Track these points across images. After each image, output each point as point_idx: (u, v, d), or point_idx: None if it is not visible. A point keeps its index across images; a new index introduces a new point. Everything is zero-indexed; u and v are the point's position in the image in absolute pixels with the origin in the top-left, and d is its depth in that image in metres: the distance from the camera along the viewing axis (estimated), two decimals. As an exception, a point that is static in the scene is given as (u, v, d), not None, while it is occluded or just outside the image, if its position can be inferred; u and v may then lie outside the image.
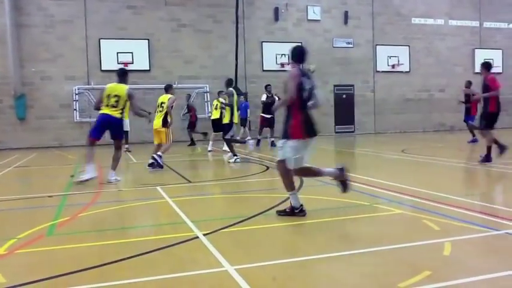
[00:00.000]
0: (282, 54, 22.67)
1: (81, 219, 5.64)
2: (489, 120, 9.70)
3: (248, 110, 20.09)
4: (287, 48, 23.01)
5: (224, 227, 4.88)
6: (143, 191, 7.69)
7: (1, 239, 4.57)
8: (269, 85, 16.63)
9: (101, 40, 20.30)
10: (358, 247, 4.15)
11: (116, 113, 8.51)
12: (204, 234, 4.57)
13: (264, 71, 22.52)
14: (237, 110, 12.99)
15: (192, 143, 18.37)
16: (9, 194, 7.67)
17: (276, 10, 22.72)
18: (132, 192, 7.60)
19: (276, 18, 22.79)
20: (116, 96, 8.61)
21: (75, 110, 19.95)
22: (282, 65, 22.68)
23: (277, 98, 15.63)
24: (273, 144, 15.50)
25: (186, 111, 19.23)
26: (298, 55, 5.59)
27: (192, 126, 18.79)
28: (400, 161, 11.29)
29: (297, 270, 3.62)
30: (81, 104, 19.95)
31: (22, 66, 19.32)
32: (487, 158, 9.48)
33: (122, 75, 9.26)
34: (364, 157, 13.12)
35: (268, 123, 16.14)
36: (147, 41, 20.86)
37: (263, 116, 16.20)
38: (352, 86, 24.22)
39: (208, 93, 21.42)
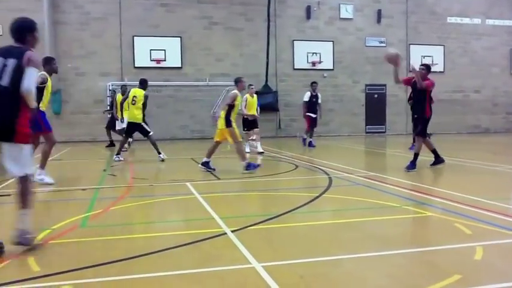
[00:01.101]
0: (313, 53, 22.59)
1: (112, 213, 5.77)
2: None
3: (258, 108, 20.00)
4: (318, 47, 22.97)
5: (252, 224, 4.91)
6: (173, 186, 7.79)
7: (37, 229, 4.72)
8: (315, 82, 15.43)
9: (134, 37, 20.64)
10: (386, 248, 4.11)
11: None
12: (232, 231, 4.60)
13: (294, 69, 22.48)
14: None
15: (112, 144, 15.99)
16: (45, 186, 7.90)
17: (308, 8, 22.60)
18: (162, 187, 7.71)
19: (308, 17, 22.68)
20: None
21: (108, 105, 20.35)
22: (313, 63, 22.59)
23: (319, 95, 15.09)
24: (311, 144, 14.97)
25: (109, 108, 17.26)
26: None
27: (112, 125, 16.02)
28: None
29: (324, 270, 3.61)
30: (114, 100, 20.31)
31: (58, 62, 19.77)
32: None
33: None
34: (394, 158, 12.94)
35: (315, 123, 15.20)
36: (179, 38, 21.09)
37: (310, 116, 15.04)
38: (384, 85, 23.89)
39: (238, 91, 21.48)
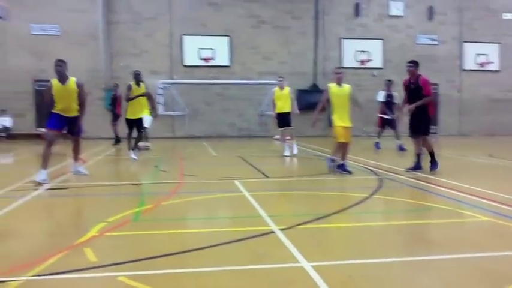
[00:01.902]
0: (361, 51, 22.25)
1: (164, 208, 5.92)
2: None
3: (294, 103, 19.63)
4: (367, 45, 22.60)
5: (300, 223, 4.91)
6: (222, 184, 7.90)
7: (93, 221, 4.92)
8: (390, 80, 14.29)
9: (183, 36, 21.03)
10: (438, 252, 4.01)
11: None
12: (281, 229, 4.62)
13: (343, 68, 22.20)
14: None
15: (118, 140, 15.79)
16: (100, 180, 8.22)
17: (357, 6, 22.28)
18: (211, 184, 7.83)
19: (357, 14, 22.36)
20: None
21: (159, 103, 20.83)
22: (362, 62, 22.25)
23: (396, 94, 13.77)
24: (402, 148, 13.31)
25: (111, 102, 16.62)
26: None
27: (115, 119, 15.91)
28: (487, 166, 10.69)
29: (374, 272, 3.57)
30: (165, 97, 20.81)
31: (111, 60, 20.51)
32: None
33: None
34: (448, 160, 12.55)
35: (389, 123, 13.77)
36: (227, 37, 21.31)
37: (382, 117, 13.90)
38: (436, 85, 23.19)
39: (286, 89, 21.46)
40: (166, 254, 3.90)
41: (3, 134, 19.04)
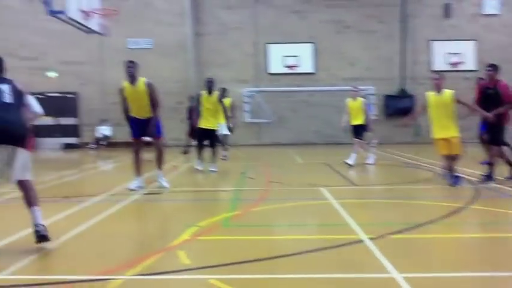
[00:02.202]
0: (453, 53, 21.21)
1: (252, 214, 6.04)
2: None
3: (368, 114, 18.98)
4: (459, 46, 21.32)
5: (390, 232, 4.78)
6: (308, 191, 7.89)
7: (186, 226, 5.15)
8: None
9: (268, 45, 21.34)
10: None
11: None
12: (370, 238, 4.53)
13: (433, 71, 21.27)
14: None
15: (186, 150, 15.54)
16: (192, 186, 8.57)
17: (447, 6, 21.25)
18: (298, 191, 7.86)
19: (447, 15, 21.32)
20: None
21: (245, 111, 21.30)
22: (454, 64, 21.19)
23: None
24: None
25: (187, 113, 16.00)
26: None
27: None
28: None
29: (470, 286, 3.39)
30: (250, 105, 21.24)
31: (200, 71, 21.31)
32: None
33: None
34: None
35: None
36: (312, 44, 21.30)
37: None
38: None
39: (373, 96, 21.00)
40: (255, 259, 3.98)
41: (103, 142, 20.46)
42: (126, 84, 7.87)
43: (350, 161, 11.21)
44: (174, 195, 7.88)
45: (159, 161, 8.07)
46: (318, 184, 8.28)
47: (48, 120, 21.04)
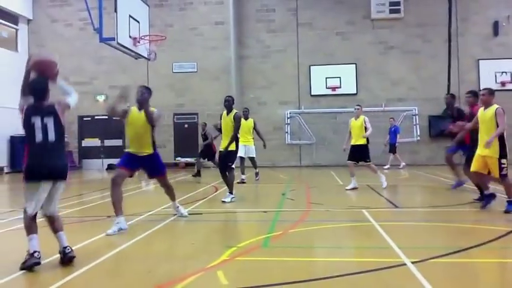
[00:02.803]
0: (502, 72, 20.58)
1: (291, 235, 6.00)
2: None
3: (398, 135, 18.67)
4: (508, 65, 20.73)
5: (434, 256, 4.62)
6: (349, 213, 7.78)
7: (225, 246, 5.17)
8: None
9: (311, 66, 21.41)
10: None
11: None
12: (412, 262, 4.40)
13: (480, 91, 20.64)
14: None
15: (198, 173, 15.59)
16: (231, 207, 8.60)
17: (496, 24, 20.73)
18: (338, 213, 7.75)
19: (496, 33, 20.79)
20: None
21: (286, 132, 21.34)
22: (503, 83, 20.53)
23: None
24: None
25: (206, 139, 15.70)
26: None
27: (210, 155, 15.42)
28: None
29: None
30: (292, 127, 21.25)
31: (242, 93, 21.59)
32: None
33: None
34: None
35: None
36: (354, 65, 21.21)
37: None
38: None
39: (417, 116, 20.60)
40: (294, 281, 3.94)
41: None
42: (134, 109, 7.17)
43: (349, 186, 10.98)
44: (214, 216, 7.93)
45: (172, 195, 7.26)
46: (359, 206, 8.15)
47: (95, 142, 21.83)
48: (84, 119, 22.51)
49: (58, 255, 4.64)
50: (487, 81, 20.55)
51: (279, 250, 5.22)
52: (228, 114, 9.40)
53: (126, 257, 4.96)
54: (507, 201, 7.30)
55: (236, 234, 6.21)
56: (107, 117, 22.23)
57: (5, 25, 21.29)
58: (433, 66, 20.93)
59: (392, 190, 11.15)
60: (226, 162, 9.12)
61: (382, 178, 11.24)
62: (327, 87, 21.29)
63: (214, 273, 4.19)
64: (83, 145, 22.49)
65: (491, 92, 7.69)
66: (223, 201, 8.94)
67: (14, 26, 21.84)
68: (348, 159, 11.36)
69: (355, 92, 21.23)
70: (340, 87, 21.19)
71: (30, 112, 4.54)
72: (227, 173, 9.13)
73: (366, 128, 11.07)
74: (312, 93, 21.40)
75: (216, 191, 11.07)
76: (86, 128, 22.53)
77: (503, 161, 7.18)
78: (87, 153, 22.46)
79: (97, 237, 5.81)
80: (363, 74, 21.26)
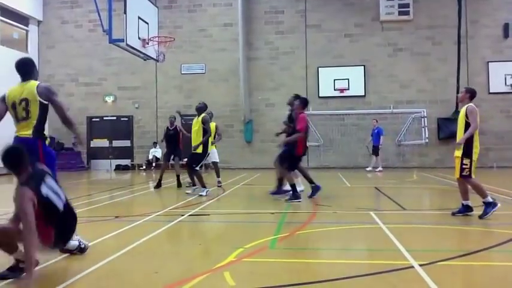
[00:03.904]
0: (512, 75, 20.44)
1: (299, 237, 5.99)
2: None
3: (382, 137, 18.44)
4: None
5: (443, 259, 4.60)
6: (357, 215, 7.76)
7: (232, 247, 5.17)
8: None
9: (319, 68, 21.38)
10: None
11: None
12: (420, 265, 4.38)
13: (490, 93, 20.54)
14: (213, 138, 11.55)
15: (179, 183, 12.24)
16: (239, 208, 8.62)
17: (506, 26, 20.57)
18: (346, 215, 7.73)
19: (506, 35, 20.62)
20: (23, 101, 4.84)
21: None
22: (513, 86, 20.40)
23: None
24: None
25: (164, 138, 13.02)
26: None
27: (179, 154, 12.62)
28: None
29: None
30: (299, 128, 21.21)
31: (250, 94, 21.60)
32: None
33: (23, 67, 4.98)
34: None
35: None
36: (362, 67, 21.15)
37: None
38: None
39: (425, 118, 20.49)
40: (301, 282, 3.94)
41: (154, 164, 21.04)
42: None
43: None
44: (221, 217, 7.95)
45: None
46: (366, 208, 8.13)
47: (103, 143, 21.98)
48: (93, 119, 22.66)
49: (66, 255, 4.70)
50: (497, 83, 20.47)
51: (285, 252, 5.22)
52: (198, 117, 10.43)
53: (134, 257, 4.98)
54: (483, 202, 7.07)
55: (243, 236, 6.21)
56: (115, 117, 22.43)
57: (16, 26, 21.50)
58: (442, 68, 20.82)
59: (400, 192, 11.10)
60: (191, 162, 10.24)
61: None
62: (335, 89, 21.24)
63: (221, 274, 4.19)
64: (91, 146, 22.62)
65: (468, 90, 7.33)
66: (200, 195, 9.93)
67: (25, 27, 22.05)
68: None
69: (363, 94, 21.16)
70: (348, 89, 21.13)
71: None
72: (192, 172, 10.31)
73: None
74: (320, 95, 21.34)
75: (223, 192, 11.09)
76: (94, 129, 22.67)
77: (465, 161, 6.96)
78: (95, 153, 22.58)
79: (105, 237, 5.84)
80: (372, 76, 21.20)
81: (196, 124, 10.33)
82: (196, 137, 10.31)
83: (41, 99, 4.82)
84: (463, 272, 4.34)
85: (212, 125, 11.62)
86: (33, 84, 4.85)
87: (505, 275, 4.30)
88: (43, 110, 4.88)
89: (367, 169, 18.34)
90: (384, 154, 20.56)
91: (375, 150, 18.57)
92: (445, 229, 6.62)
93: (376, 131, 18.61)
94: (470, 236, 6.12)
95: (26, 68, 4.95)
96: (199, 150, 10.16)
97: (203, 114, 10.38)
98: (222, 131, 13.70)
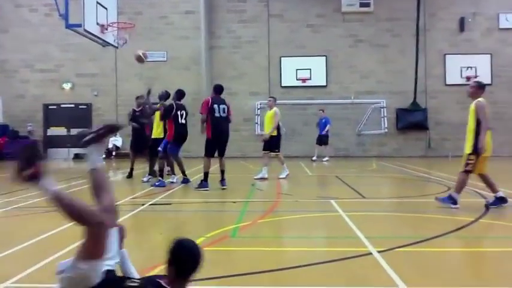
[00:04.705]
0: (467, 67, 21.08)
1: (260, 225, 6.02)
2: None
3: (328, 126, 18.52)
4: (474, 60, 21.21)
5: (399, 246, 4.72)
6: (318, 203, 7.86)
7: (193, 236, 5.09)
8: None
9: (281, 58, 21.43)
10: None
11: None
12: (378, 251, 4.48)
13: (446, 85, 21.18)
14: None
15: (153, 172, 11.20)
16: (201, 198, 8.56)
17: (462, 20, 21.19)
18: (307, 203, 7.82)
19: (462, 29, 21.26)
20: None
21: (256, 123, 21.36)
22: (468, 78, 21.03)
23: None
24: None
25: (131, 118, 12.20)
26: None
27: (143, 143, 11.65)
28: None
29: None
30: (262, 118, 21.23)
31: (213, 83, 21.36)
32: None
33: None
34: None
35: None
36: (324, 57, 21.35)
37: None
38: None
39: (385, 109, 20.94)
40: (262, 270, 3.96)
41: (113, 153, 20.66)
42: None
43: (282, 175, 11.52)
44: (183, 206, 7.89)
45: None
46: (327, 196, 8.25)
47: (61, 131, 21.39)
48: (50, 107, 21.96)
49: (25, 244, 4.55)
50: (453, 75, 21.10)
51: (247, 240, 5.23)
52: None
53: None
54: (449, 193, 7.22)
55: (205, 224, 6.19)
56: (73, 105, 21.81)
57: (-34, 9, 20.49)
58: (401, 60, 21.27)
59: (360, 181, 11.32)
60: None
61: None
62: (297, 79, 21.37)
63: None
64: (48, 134, 21.94)
65: (477, 84, 7.26)
66: (172, 182, 10.37)
67: (-24, 10, 21.06)
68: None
69: (325, 84, 21.40)
70: (310, 79, 21.30)
71: None
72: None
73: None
74: (283, 85, 21.44)
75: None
76: (51, 117, 21.98)
77: (471, 157, 6.95)
78: (53, 142, 21.93)
79: (62, 228, 5.68)
80: (333, 66, 21.43)
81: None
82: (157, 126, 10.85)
83: None
84: (419, 258, 4.47)
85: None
86: None
87: (458, 261, 4.45)
88: None
89: (313, 159, 18.27)
90: (344, 143, 20.91)
91: (325, 140, 18.46)
92: (402, 216, 6.80)
93: (323, 120, 18.59)
94: (427, 223, 6.30)
95: None
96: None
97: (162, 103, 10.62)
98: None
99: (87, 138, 3.01)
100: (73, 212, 2.62)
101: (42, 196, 2.67)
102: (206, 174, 9.45)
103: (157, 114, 10.80)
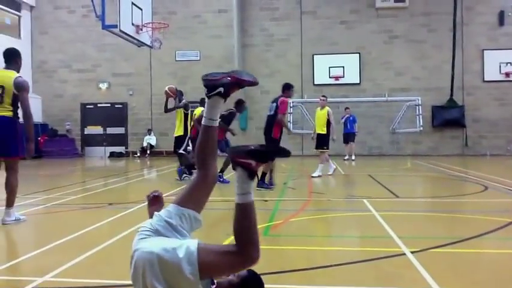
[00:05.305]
0: (507, 63, 20.44)
1: (292, 224, 6.03)
2: None
3: (356, 125, 18.08)
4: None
5: (434, 246, 4.64)
6: (350, 202, 7.80)
7: (225, 234, 5.17)
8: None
9: (314, 56, 21.32)
10: None
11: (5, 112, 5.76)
12: (412, 252, 4.42)
13: (484, 81, 20.59)
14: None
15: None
16: (232, 196, 8.62)
17: (501, 14, 20.55)
18: (339, 202, 7.78)
19: (501, 23, 20.62)
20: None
21: (289, 121, 21.28)
22: (507, 74, 20.41)
23: None
24: None
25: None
26: None
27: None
28: None
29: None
30: (294, 116, 21.22)
31: (245, 82, 21.50)
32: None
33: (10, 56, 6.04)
34: None
35: None
36: (358, 54, 21.11)
37: None
38: None
39: (420, 106, 20.53)
40: (294, 269, 3.97)
41: (148, 152, 21.04)
42: None
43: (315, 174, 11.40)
44: (215, 204, 7.96)
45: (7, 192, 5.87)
46: (360, 196, 8.17)
47: (97, 130, 21.93)
48: (87, 106, 22.55)
49: (63, 240, 4.69)
50: (492, 71, 20.50)
51: (279, 239, 5.25)
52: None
53: (127, 244, 4.98)
54: None
55: (237, 223, 6.23)
56: (109, 104, 22.32)
57: (8, 12, 21.23)
58: (437, 56, 20.82)
59: (393, 180, 11.16)
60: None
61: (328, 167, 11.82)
62: (330, 77, 21.22)
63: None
64: (85, 133, 22.54)
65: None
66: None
67: (17, 13, 21.78)
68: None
69: (358, 81, 21.17)
70: (343, 76, 21.12)
71: None
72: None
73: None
74: (315, 83, 21.33)
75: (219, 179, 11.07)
76: (88, 116, 22.57)
77: None
78: (89, 140, 22.53)
79: (99, 224, 5.85)
80: (367, 63, 21.17)
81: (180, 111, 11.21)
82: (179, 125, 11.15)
83: (14, 91, 5.73)
84: (454, 259, 4.38)
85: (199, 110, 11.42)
86: (12, 74, 5.79)
87: (495, 262, 4.34)
88: (15, 99, 5.76)
89: (351, 158, 18.01)
90: (378, 142, 20.64)
91: (352, 138, 18.09)
92: (437, 217, 6.67)
93: (351, 118, 18.27)
94: (462, 223, 6.17)
95: (8, 58, 5.97)
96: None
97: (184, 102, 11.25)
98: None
99: (217, 90, 2.63)
100: (249, 231, 2.33)
101: (235, 198, 2.44)
102: (264, 175, 9.19)
103: (179, 113, 11.10)
